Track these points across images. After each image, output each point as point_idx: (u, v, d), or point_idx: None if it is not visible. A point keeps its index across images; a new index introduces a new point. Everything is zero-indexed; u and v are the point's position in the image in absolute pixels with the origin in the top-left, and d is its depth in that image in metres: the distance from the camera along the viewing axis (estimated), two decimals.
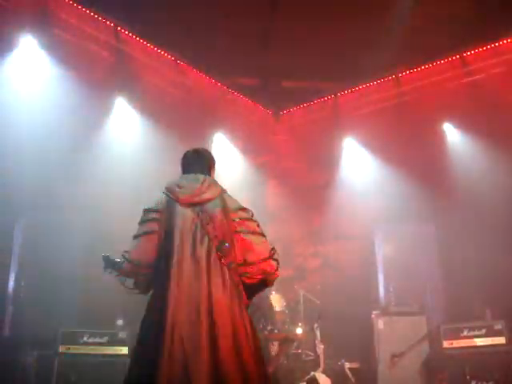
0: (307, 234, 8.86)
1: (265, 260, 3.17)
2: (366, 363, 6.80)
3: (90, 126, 6.95)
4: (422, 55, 7.74)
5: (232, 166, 8.49)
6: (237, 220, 3.18)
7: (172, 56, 7.78)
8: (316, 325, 6.03)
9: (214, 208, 3.17)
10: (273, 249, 3.24)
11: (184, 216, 3.12)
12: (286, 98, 8.94)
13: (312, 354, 6.26)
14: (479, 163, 7.45)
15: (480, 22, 6.81)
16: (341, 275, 8.07)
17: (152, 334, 2.90)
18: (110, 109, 7.42)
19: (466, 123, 7.85)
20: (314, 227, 8.79)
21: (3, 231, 6.19)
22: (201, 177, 3.30)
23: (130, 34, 7.33)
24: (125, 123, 7.49)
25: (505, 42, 7.45)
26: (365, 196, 8.10)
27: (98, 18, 6.97)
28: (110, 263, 3.23)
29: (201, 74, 8.21)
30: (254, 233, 3.20)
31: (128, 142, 7.39)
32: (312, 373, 5.84)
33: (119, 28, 7.19)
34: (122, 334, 6.11)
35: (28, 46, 6.51)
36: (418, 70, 8.10)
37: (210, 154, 3.55)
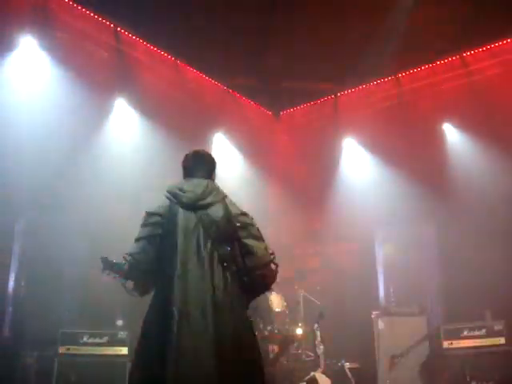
0: (307, 234, 8.87)
1: (265, 265, 3.25)
2: (366, 364, 6.80)
3: (89, 127, 6.95)
4: (421, 56, 7.75)
5: (232, 166, 8.49)
6: (238, 225, 3.23)
7: (172, 56, 7.79)
8: (316, 325, 6.02)
9: (217, 213, 3.22)
10: (272, 253, 3.30)
11: (187, 220, 3.17)
12: (286, 98, 8.95)
13: (312, 355, 6.25)
14: (479, 163, 7.45)
15: (479, 23, 6.81)
16: (341, 276, 8.06)
17: (157, 334, 2.95)
18: (110, 109, 7.42)
19: (466, 123, 7.85)
20: (314, 228, 8.79)
21: (3, 231, 6.18)
22: (204, 181, 3.34)
23: (130, 35, 7.34)
24: (125, 123, 7.49)
25: (504, 42, 7.47)
26: (365, 196, 8.11)
27: (97, 18, 6.99)
28: (108, 265, 3.27)
29: (201, 75, 8.23)
30: (254, 237, 3.25)
31: (128, 142, 7.40)
32: (312, 373, 5.83)
33: (119, 28, 7.20)
34: (122, 335, 6.11)
35: (28, 47, 6.50)
36: (417, 71, 8.12)
37: (211, 156, 3.57)
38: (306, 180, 8.82)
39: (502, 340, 6.34)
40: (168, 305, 2.97)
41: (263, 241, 3.29)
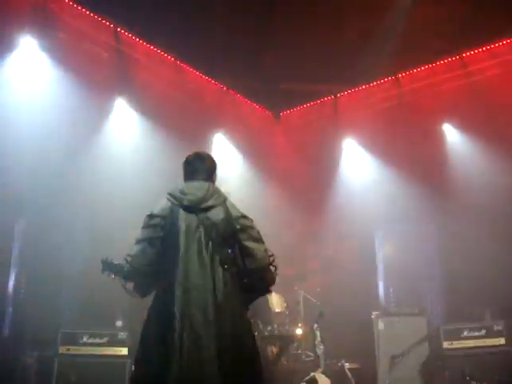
0: (307, 234, 8.85)
1: (265, 267, 3.28)
2: (366, 364, 6.79)
3: (89, 127, 6.95)
4: (421, 56, 7.75)
5: (232, 166, 8.49)
6: (238, 227, 3.27)
7: (172, 57, 7.79)
8: (316, 325, 6.01)
9: (218, 215, 3.26)
10: (272, 255, 3.34)
11: (189, 222, 3.21)
12: (286, 99, 8.95)
13: (312, 355, 6.24)
14: (479, 163, 7.46)
15: (479, 24, 6.82)
16: (341, 276, 8.05)
17: (159, 335, 2.98)
18: (110, 109, 7.42)
19: (466, 124, 7.86)
20: (314, 228, 8.78)
21: (3, 231, 6.19)
22: (205, 184, 3.37)
23: (130, 35, 7.34)
24: (124, 124, 7.49)
25: (503, 43, 7.48)
26: (365, 197, 8.11)
27: (97, 18, 6.99)
28: (107, 266, 3.30)
29: (200, 75, 8.23)
30: (254, 240, 3.29)
31: (128, 142, 7.40)
32: (312, 373, 5.82)
33: (119, 29, 7.20)
34: (122, 335, 6.11)
35: (28, 47, 6.51)
36: (417, 71, 8.12)
37: (212, 159, 3.59)
38: (306, 180, 8.82)
39: (501, 340, 6.34)
40: (169, 306, 3.00)
41: (263, 243, 3.33)
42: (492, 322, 6.50)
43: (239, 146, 8.75)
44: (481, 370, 6.13)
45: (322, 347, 5.98)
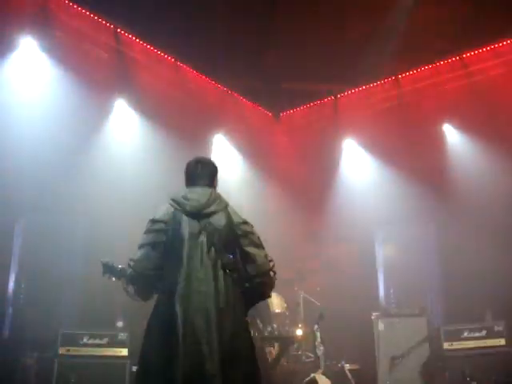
0: (307, 235, 8.85)
1: (265, 272, 3.32)
2: (366, 365, 6.79)
3: (89, 128, 6.95)
4: (422, 56, 7.74)
5: (232, 167, 8.48)
6: (239, 233, 3.31)
7: (172, 57, 7.78)
8: (316, 326, 6.00)
9: (220, 221, 3.29)
10: (271, 260, 3.38)
11: (191, 227, 3.23)
12: (286, 100, 8.94)
13: (312, 356, 6.23)
14: (479, 164, 7.45)
15: (480, 24, 6.81)
16: (341, 277, 8.05)
17: (161, 339, 3.00)
18: (110, 109, 7.42)
19: (466, 124, 7.86)
20: (314, 229, 8.77)
21: (3, 232, 6.19)
22: (208, 190, 3.39)
23: (130, 35, 7.33)
24: (125, 124, 7.49)
25: (504, 43, 7.47)
26: (365, 197, 8.10)
27: (97, 19, 6.98)
28: (108, 269, 3.30)
29: (201, 76, 8.21)
30: (255, 245, 3.33)
31: (128, 142, 7.40)
32: (312, 374, 5.81)
33: (119, 29, 7.19)
34: (122, 336, 6.08)
35: (28, 47, 6.51)
36: (417, 71, 8.11)
37: (213, 164, 3.60)
38: (306, 181, 8.81)
39: (502, 341, 6.34)
40: (172, 312, 3.02)
41: (263, 248, 3.37)
42: (492, 323, 6.50)
43: (239, 146, 8.74)
44: (481, 371, 6.13)
45: (322, 348, 5.98)
